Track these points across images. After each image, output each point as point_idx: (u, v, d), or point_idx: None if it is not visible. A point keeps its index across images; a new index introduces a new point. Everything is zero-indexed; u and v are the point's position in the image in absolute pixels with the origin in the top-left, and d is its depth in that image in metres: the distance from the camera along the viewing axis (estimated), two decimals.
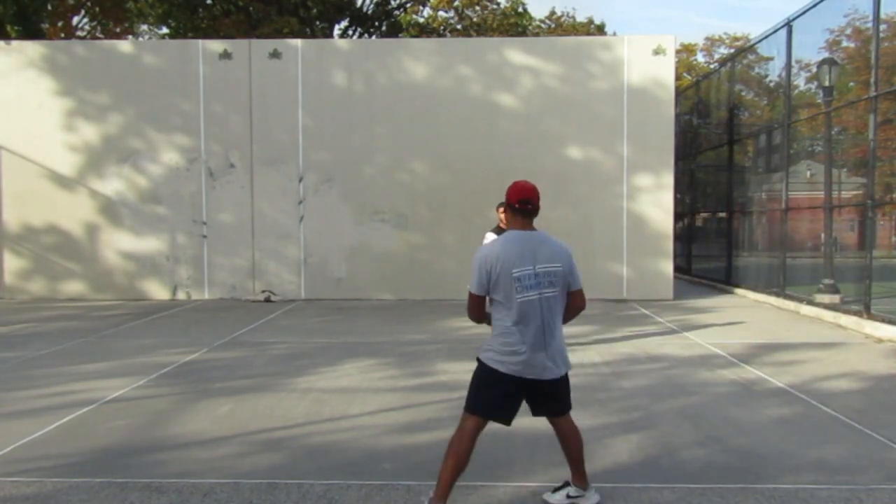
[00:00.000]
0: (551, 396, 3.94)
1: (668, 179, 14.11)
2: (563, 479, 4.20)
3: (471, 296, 3.87)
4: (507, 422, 3.92)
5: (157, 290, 14.48)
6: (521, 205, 3.86)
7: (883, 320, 9.81)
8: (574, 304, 3.97)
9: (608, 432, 5.45)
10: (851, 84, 13.55)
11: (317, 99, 14.34)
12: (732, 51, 29.57)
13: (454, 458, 3.77)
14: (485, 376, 3.86)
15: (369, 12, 29.91)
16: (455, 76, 14.32)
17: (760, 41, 15.05)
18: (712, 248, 18.19)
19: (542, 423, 5.71)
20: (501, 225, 8.44)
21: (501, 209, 8.29)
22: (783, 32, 13.16)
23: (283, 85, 14.32)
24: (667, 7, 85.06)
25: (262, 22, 24.86)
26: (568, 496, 4.08)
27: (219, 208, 14.45)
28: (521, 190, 3.89)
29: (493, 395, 3.83)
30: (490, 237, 8.30)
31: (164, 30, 28.19)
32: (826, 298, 11.83)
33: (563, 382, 3.96)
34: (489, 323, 4.00)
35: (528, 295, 3.76)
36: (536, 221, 3.93)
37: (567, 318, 3.98)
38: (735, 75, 16.78)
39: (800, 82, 14.74)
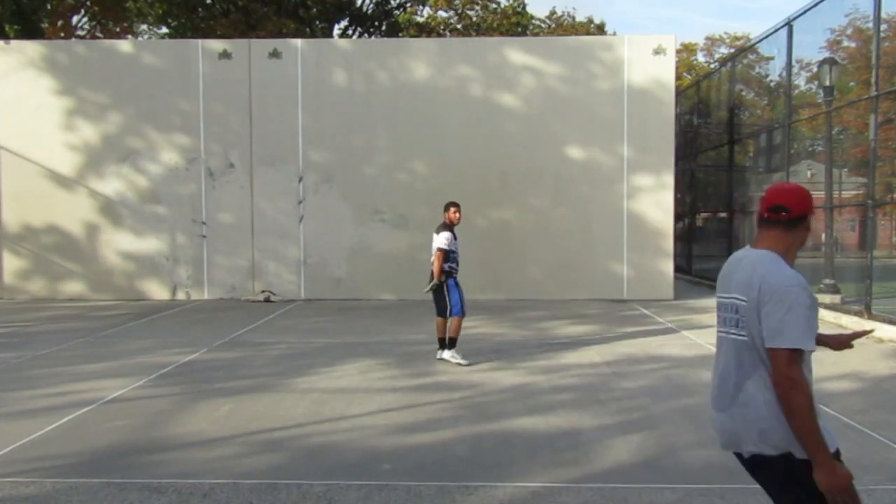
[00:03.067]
0: None
1: (669, 179, 14.09)
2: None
3: None
4: None
5: (157, 291, 14.47)
6: None
7: (883, 320, 9.79)
8: None
9: (609, 432, 5.44)
10: (852, 84, 13.54)
11: (317, 99, 14.32)
12: (733, 50, 29.54)
13: None
14: None
15: (369, 12, 29.91)
16: (455, 76, 14.31)
17: (761, 41, 15.03)
18: (713, 248, 18.17)
19: (541, 423, 5.73)
20: (451, 221, 8.57)
21: (453, 209, 8.45)
22: (784, 32, 13.13)
23: (283, 85, 14.29)
24: (667, 7, 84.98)
25: (261, 22, 24.84)
26: None
27: (218, 208, 14.43)
28: None
29: None
30: (446, 235, 8.40)
31: (164, 29, 28.19)
32: (827, 298, 11.81)
33: None
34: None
35: None
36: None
37: None
38: (735, 75, 16.77)
39: (800, 82, 14.73)
